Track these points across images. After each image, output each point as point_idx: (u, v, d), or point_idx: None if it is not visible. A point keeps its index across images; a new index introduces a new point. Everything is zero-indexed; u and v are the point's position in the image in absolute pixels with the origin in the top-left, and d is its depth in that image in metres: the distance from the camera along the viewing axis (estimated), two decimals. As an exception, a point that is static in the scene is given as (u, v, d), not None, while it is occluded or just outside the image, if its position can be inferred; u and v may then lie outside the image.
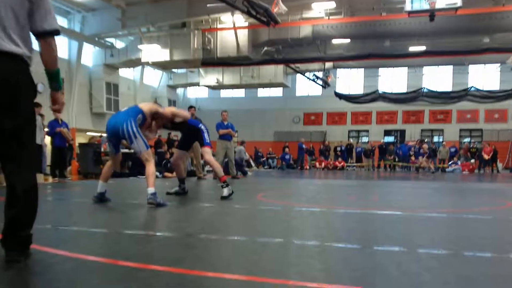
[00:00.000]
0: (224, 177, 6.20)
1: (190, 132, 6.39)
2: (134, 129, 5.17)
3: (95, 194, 5.46)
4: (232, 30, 19.86)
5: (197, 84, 27.91)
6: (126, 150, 14.57)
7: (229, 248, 3.06)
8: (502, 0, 16.16)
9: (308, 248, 3.05)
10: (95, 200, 5.45)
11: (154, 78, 28.67)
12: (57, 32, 2.50)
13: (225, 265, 2.54)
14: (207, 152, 6.33)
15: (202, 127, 6.36)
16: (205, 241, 3.30)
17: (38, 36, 2.50)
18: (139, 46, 21.17)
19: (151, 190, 5.15)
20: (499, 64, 25.08)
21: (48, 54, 2.48)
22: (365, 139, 29.02)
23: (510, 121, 26.48)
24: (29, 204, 2.51)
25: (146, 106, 5.55)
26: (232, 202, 5.94)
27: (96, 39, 21.62)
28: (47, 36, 2.45)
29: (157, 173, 12.65)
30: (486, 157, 20.59)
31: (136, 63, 22.78)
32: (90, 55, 22.62)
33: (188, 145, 6.78)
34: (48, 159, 12.26)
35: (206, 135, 6.28)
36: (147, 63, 22.38)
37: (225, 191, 6.08)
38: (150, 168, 5.24)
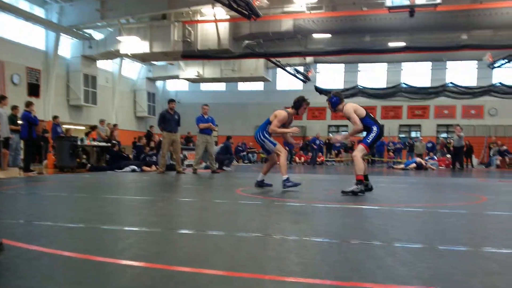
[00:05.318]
0: (360, 176, 6.28)
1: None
2: (262, 137, 7.03)
3: (256, 181, 7.30)
4: (213, 23, 19.72)
5: (177, 77, 27.70)
6: (103, 144, 14.43)
7: (208, 243, 3.05)
8: (480, -2, 16.45)
9: (286, 242, 3.07)
10: (256, 185, 7.25)
11: (133, 71, 28.34)
12: None
13: (203, 260, 2.53)
14: (359, 149, 6.39)
15: (375, 128, 6.39)
16: (183, 236, 3.29)
17: None
18: (118, 38, 20.86)
19: (284, 177, 6.77)
20: (476, 61, 25.55)
21: None
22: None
23: (486, 117, 27.05)
24: None
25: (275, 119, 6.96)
26: (211, 196, 5.93)
27: (74, 30, 21.22)
28: None
29: (136, 167, 12.57)
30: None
31: (115, 55, 22.46)
32: (68, 46, 22.20)
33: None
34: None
35: (372, 135, 6.36)
36: (126, 55, 22.08)
37: (352, 187, 6.23)
38: (281, 159, 6.92)
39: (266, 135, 7.03)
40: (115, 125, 18.22)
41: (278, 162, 7.41)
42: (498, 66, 23.48)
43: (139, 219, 4.07)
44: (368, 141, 6.37)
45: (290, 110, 7.06)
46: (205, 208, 5.07)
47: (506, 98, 23.54)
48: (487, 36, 19.18)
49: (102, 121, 16.91)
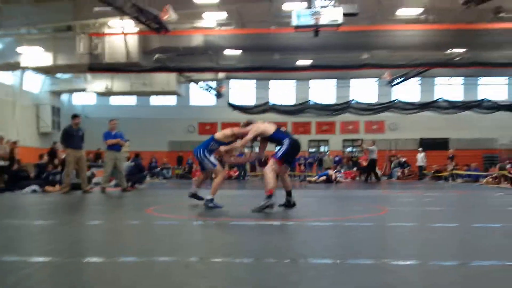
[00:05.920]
0: (271, 191, 6.13)
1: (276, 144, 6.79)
2: (202, 154, 6.90)
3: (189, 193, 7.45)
4: (121, 35, 19.13)
5: (84, 90, 26.41)
6: (1, 163, 13.27)
7: (110, 272, 2.89)
8: (377, 20, 17.69)
9: (196, 265, 3.01)
10: (189, 195, 7.40)
11: (36, 83, 26.57)
12: None
13: (106, 290, 2.39)
14: (270, 163, 6.34)
15: (286, 141, 6.39)
16: (84, 265, 3.08)
17: None
18: (18, 49, 19.45)
19: (209, 196, 6.72)
20: (377, 79, 27.39)
21: None
22: (258, 149, 29.72)
23: (387, 132, 28.98)
24: None
25: (218, 134, 7.09)
26: (120, 218, 5.68)
27: (-35, 38, 19.45)
28: None
29: (37, 187, 11.69)
30: (364, 163, 22.15)
31: (14, 66, 20.86)
32: (-41, 56, 20.24)
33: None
34: None
35: (282, 148, 6.36)
36: (27, 68, 20.63)
37: (261, 203, 6.07)
38: (217, 179, 6.95)
39: (207, 153, 6.92)
40: (15, 142, 16.87)
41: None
42: (396, 84, 25.39)
43: (36, 247, 3.77)
44: (279, 154, 6.31)
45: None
46: (114, 231, 4.84)
47: (404, 114, 25.44)
48: (385, 56, 20.74)
49: (0, 139, 15.56)
